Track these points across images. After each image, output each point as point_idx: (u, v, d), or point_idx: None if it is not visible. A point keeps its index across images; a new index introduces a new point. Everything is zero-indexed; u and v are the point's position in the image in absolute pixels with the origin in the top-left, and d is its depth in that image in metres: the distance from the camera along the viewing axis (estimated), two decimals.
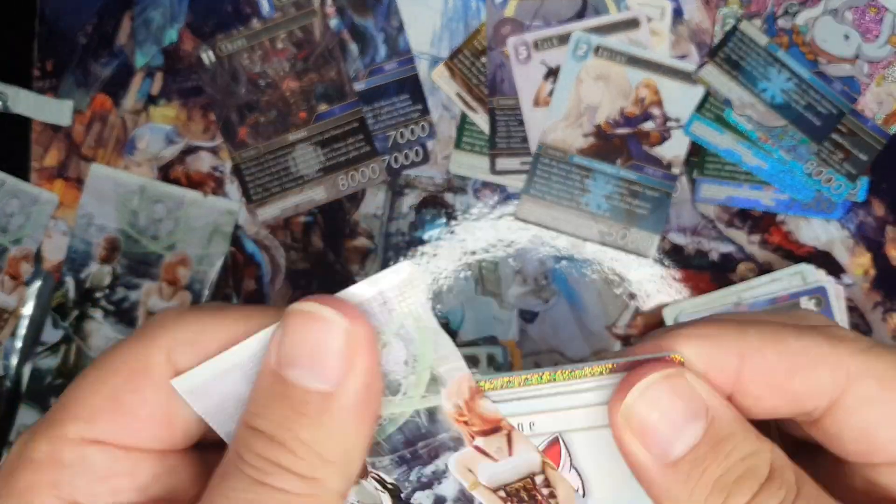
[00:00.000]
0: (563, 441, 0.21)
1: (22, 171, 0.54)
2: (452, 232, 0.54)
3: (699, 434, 0.19)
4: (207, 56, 0.54)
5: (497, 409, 0.21)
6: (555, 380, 0.21)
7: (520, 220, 0.54)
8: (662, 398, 0.19)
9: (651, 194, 0.53)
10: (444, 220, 0.54)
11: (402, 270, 0.21)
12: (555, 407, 0.21)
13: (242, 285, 0.54)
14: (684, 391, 0.19)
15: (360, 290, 0.21)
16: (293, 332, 0.20)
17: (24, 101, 0.53)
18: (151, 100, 0.55)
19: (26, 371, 0.54)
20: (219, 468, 0.21)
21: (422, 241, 0.54)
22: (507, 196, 0.54)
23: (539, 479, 0.22)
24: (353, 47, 0.54)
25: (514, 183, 0.54)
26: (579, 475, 0.22)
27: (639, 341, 0.23)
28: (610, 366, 0.21)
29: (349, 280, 0.54)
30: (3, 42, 0.54)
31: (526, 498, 0.22)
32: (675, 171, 0.53)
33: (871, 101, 0.53)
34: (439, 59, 0.54)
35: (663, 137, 0.53)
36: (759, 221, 0.53)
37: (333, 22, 0.54)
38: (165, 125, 0.54)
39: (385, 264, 0.54)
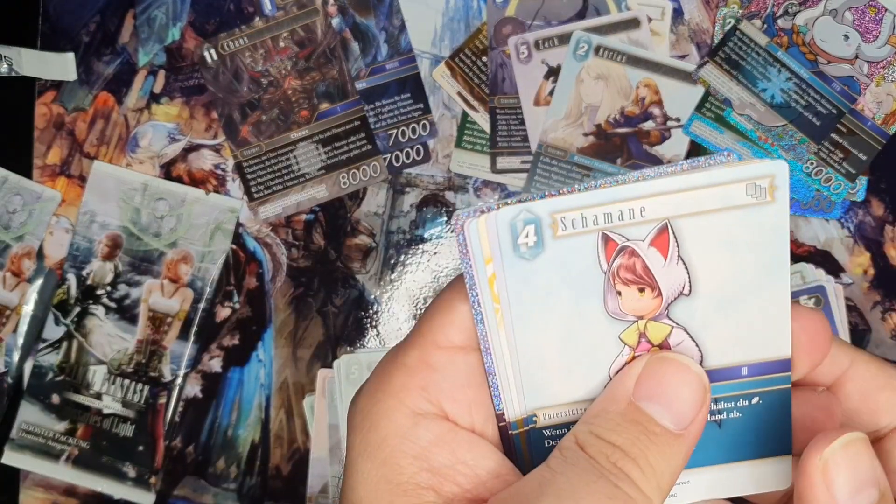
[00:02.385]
0: (672, 228, 0.22)
1: (25, 169, 0.55)
2: (453, 230, 0.54)
3: (875, 500, 0.23)
4: (210, 54, 0.54)
5: None
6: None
7: None
8: (857, 457, 0.23)
9: None
10: (444, 218, 0.54)
11: None
12: (665, 189, 0.22)
13: (244, 282, 0.54)
14: (869, 456, 0.23)
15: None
16: (653, 372, 0.23)
17: (28, 61, 0.53)
18: (154, 98, 0.55)
19: (28, 367, 0.54)
20: (552, 461, 0.23)
21: (422, 240, 0.54)
22: (507, 195, 0.54)
23: None
24: (355, 46, 0.54)
25: (515, 182, 0.54)
26: (686, 268, 0.22)
27: None
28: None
29: (350, 277, 0.55)
30: (7, 39, 0.55)
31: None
32: None
33: (871, 101, 0.53)
34: (440, 59, 0.54)
35: (663, 137, 0.53)
36: None
37: (335, 21, 0.54)
38: (168, 123, 0.55)
39: (386, 262, 0.55)
